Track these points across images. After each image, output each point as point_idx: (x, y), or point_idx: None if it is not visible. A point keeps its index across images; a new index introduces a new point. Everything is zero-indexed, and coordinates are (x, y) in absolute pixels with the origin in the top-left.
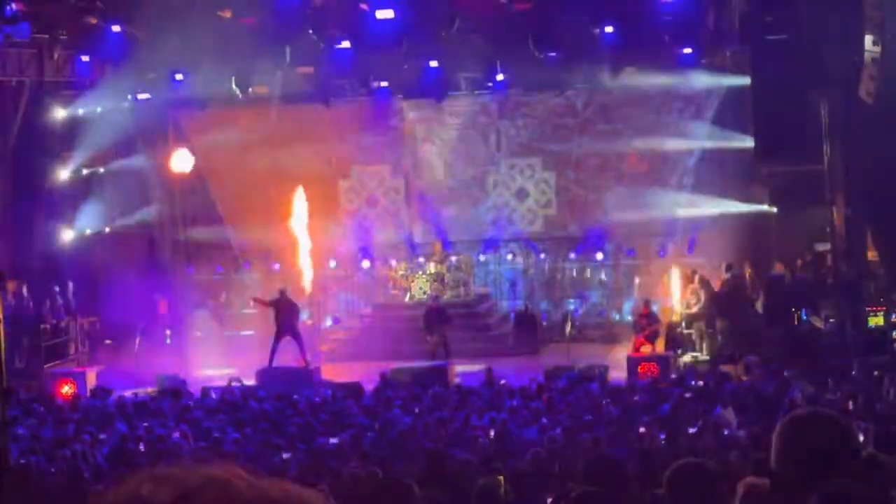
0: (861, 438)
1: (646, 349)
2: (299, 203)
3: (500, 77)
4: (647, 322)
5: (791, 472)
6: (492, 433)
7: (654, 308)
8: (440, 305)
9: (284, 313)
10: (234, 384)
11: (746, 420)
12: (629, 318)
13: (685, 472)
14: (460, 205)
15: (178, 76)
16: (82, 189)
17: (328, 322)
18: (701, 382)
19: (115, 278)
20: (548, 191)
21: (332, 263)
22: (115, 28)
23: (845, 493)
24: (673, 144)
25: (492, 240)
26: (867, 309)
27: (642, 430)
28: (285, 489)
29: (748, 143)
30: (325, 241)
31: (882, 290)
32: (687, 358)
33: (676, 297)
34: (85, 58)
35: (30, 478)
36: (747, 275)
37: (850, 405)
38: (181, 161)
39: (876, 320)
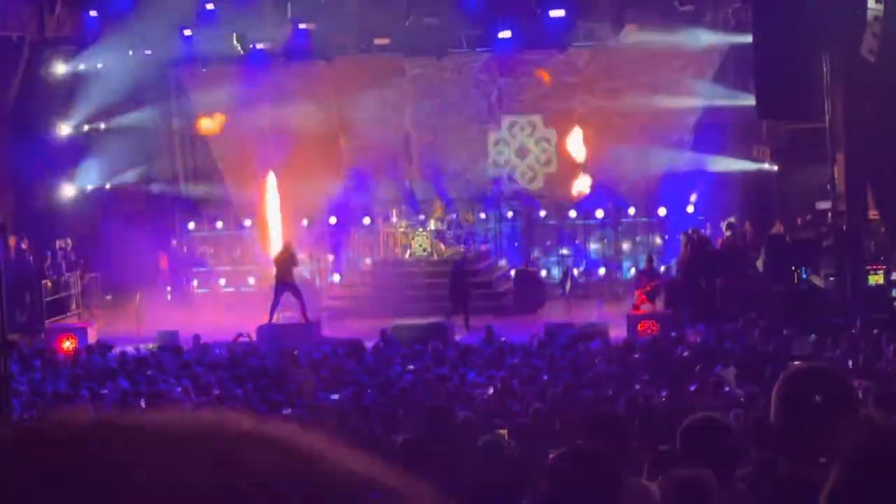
0: (860, 396)
1: (646, 307)
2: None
3: (501, 34)
4: (648, 279)
5: (790, 427)
6: (492, 390)
7: (657, 265)
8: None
9: (284, 269)
10: (242, 339)
11: (746, 378)
12: (629, 275)
13: (699, 427)
14: (461, 162)
15: (187, 31)
16: (83, 145)
17: (332, 278)
18: (701, 340)
19: (115, 234)
20: (549, 148)
21: (305, 222)
22: None
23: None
24: (674, 102)
25: (492, 197)
26: (867, 267)
27: (644, 386)
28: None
29: (750, 100)
30: (326, 199)
31: (882, 248)
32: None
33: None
34: (93, 13)
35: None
36: (747, 233)
37: (850, 363)
38: (211, 124)
39: (876, 279)
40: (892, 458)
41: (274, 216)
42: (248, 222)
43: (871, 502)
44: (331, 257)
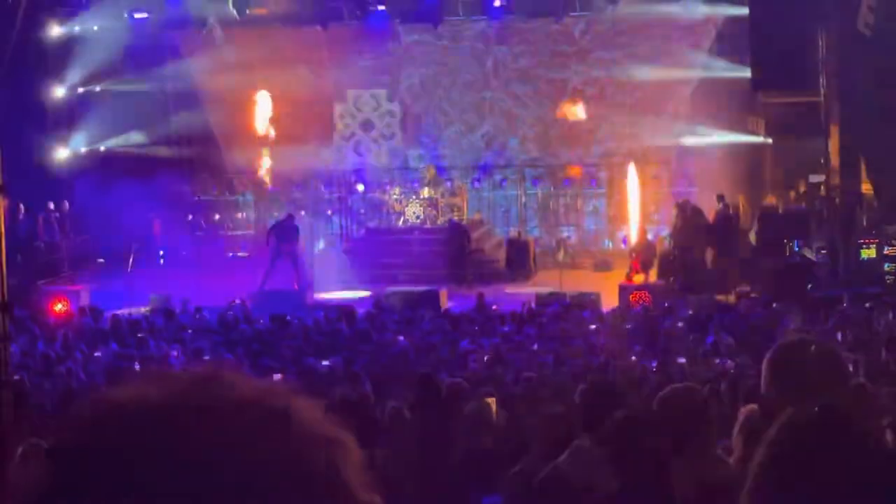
0: (851, 369)
1: (638, 278)
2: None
3: (497, 3)
4: (640, 249)
5: (780, 398)
6: (484, 358)
7: (650, 236)
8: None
9: (283, 236)
10: (234, 304)
11: (738, 350)
12: (623, 245)
13: (675, 396)
14: (455, 130)
15: None
16: (78, 107)
17: (321, 245)
18: (692, 311)
19: (109, 197)
20: (544, 118)
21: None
22: None
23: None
24: (670, 73)
25: (486, 166)
26: (860, 241)
27: (633, 358)
28: (271, 388)
29: (745, 73)
30: (320, 165)
31: (875, 222)
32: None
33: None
34: None
35: (26, 392)
36: (740, 205)
37: (841, 336)
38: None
39: (868, 252)
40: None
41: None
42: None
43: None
44: (325, 224)
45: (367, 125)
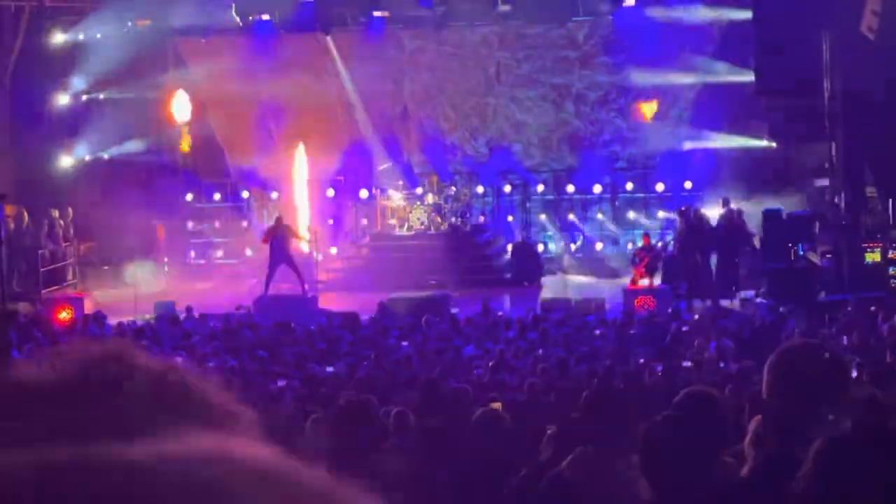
0: (855, 374)
1: (643, 282)
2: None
3: (500, 8)
4: (645, 253)
5: (782, 404)
6: (489, 364)
7: (654, 242)
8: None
9: (279, 241)
10: (240, 310)
11: (742, 354)
12: (627, 250)
13: (695, 398)
14: (459, 136)
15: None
16: (82, 115)
17: (330, 251)
18: (697, 316)
19: (113, 205)
20: (548, 123)
21: (331, 192)
22: None
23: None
24: (673, 78)
25: (490, 171)
26: (864, 245)
27: (641, 360)
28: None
29: (749, 77)
30: (325, 171)
31: (879, 226)
32: (683, 291)
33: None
34: None
35: None
36: (744, 210)
37: (846, 340)
38: (181, 106)
39: (873, 256)
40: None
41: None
42: (274, 195)
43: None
44: (328, 230)
45: (371, 131)
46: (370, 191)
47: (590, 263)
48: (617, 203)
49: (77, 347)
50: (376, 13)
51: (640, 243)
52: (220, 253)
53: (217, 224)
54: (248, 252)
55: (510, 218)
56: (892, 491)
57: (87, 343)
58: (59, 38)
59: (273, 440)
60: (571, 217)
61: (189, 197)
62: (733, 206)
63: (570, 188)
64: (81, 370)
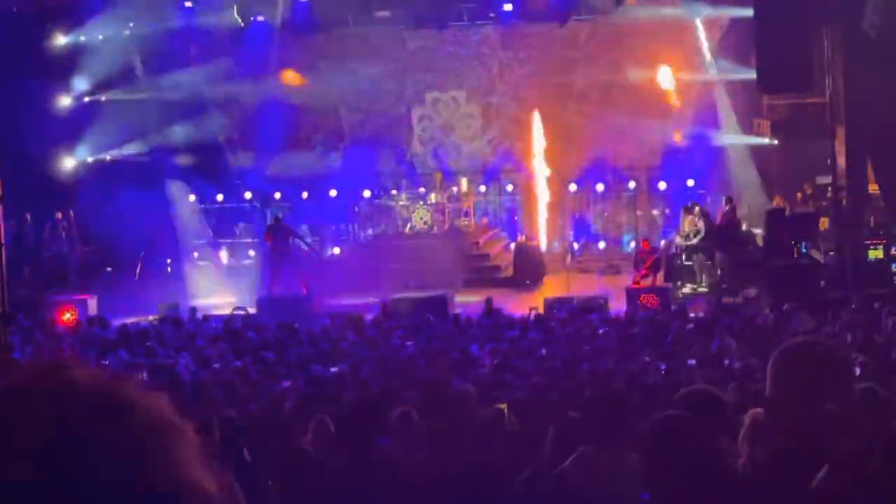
0: (858, 371)
1: (646, 281)
2: None
3: (502, 8)
4: (647, 255)
5: (784, 401)
6: (491, 363)
7: (657, 240)
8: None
9: (280, 241)
10: (238, 312)
11: (745, 352)
12: (629, 249)
13: (695, 397)
14: (462, 135)
15: (188, 3)
16: (84, 117)
17: (331, 251)
18: (701, 314)
19: (115, 206)
20: (550, 122)
21: (304, 195)
22: None
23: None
24: (675, 76)
25: (493, 171)
26: (867, 242)
27: (647, 359)
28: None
29: (750, 74)
30: (326, 172)
31: (882, 223)
32: (687, 290)
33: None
34: None
35: None
36: (747, 207)
37: (849, 338)
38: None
39: (876, 253)
40: None
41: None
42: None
43: None
44: (331, 230)
45: (374, 130)
46: (373, 190)
47: (592, 262)
48: (620, 201)
49: (26, 363)
50: (377, 13)
51: (639, 247)
52: (223, 254)
53: (220, 225)
54: (251, 253)
55: (513, 217)
56: None
57: (36, 360)
58: (60, 39)
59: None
60: (574, 215)
61: (192, 198)
62: (736, 203)
63: (573, 187)
64: (24, 382)
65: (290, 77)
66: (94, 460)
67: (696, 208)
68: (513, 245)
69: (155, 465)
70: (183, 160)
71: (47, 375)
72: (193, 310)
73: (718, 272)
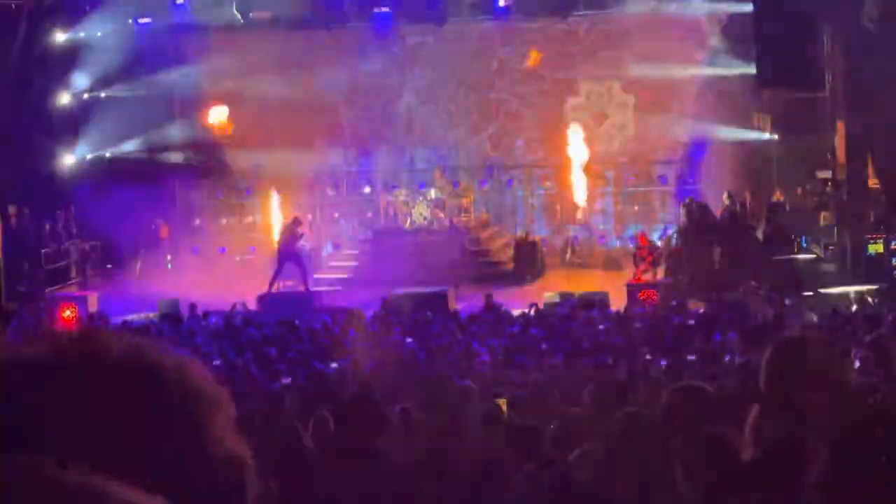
0: (859, 364)
1: (647, 276)
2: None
3: (502, 3)
4: (647, 252)
5: (779, 395)
6: (493, 359)
7: (652, 237)
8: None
9: (285, 239)
10: (238, 308)
11: (747, 347)
12: (630, 245)
13: (683, 393)
14: (462, 131)
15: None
16: (83, 114)
17: (328, 248)
18: (701, 310)
19: (116, 203)
20: (550, 118)
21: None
22: None
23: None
24: (675, 71)
25: (493, 166)
26: (867, 236)
27: (648, 356)
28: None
29: (750, 69)
30: (326, 168)
31: (882, 217)
32: (686, 285)
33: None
34: None
35: None
36: (747, 202)
37: (850, 332)
38: (217, 116)
39: (876, 248)
40: (876, 438)
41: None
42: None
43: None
44: (331, 226)
45: (373, 127)
46: (373, 186)
47: (593, 258)
48: (620, 197)
49: (51, 331)
50: (377, 9)
51: (640, 242)
52: (223, 250)
53: (220, 221)
54: (252, 249)
55: (513, 213)
56: None
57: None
58: (60, 36)
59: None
60: (575, 211)
61: (192, 194)
62: (736, 198)
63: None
64: (53, 349)
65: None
66: (124, 430)
67: (694, 204)
68: (513, 241)
69: (188, 433)
70: (183, 157)
71: (76, 343)
72: (193, 306)
73: (718, 267)
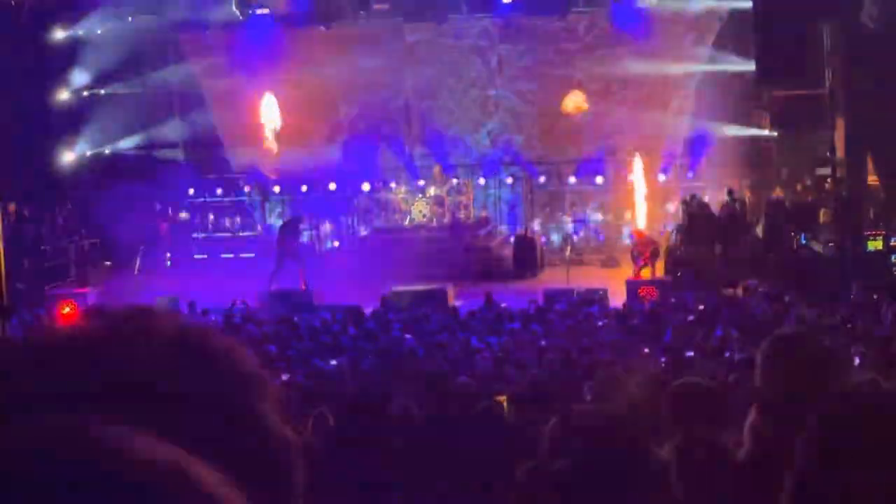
0: (858, 361)
1: (646, 272)
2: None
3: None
4: (643, 247)
5: (774, 391)
6: (491, 356)
7: (651, 231)
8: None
9: (284, 236)
10: (237, 305)
11: (745, 344)
12: (628, 241)
13: (685, 390)
14: (461, 128)
15: None
16: (83, 111)
17: (328, 244)
18: (701, 306)
19: (115, 200)
20: (549, 114)
21: (304, 188)
22: None
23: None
24: (674, 68)
25: (492, 163)
26: (866, 233)
27: (647, 351)
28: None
29: (750, 66)
30: (325, 165)
31: (881, 214)
32: (686, 281)
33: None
34: None
35: None
36: (747, 199)
37: (849, 329)
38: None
39: (875, 244)
40: (856, 429)
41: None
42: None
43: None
44: (330, 224)
45: (372, 124)
46: (372, 184)
47: (592, 254)
48: (619, 194)
49: (103, 309)
50: (376, 5)
51: (636, 238)
52: (222, 248)
53: (219, 219)
54: (251, 246)
55: (512, 209)
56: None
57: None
58: (59, 34)
59: None
60: (573, 208)
61: (191, 192)
62: (736, 195)
63: (573, 179)
64: (106, 326)
65: None
66: (174, 410)
67: (695, 201)
68: (512, 237)
69: (238, 413)
70: (182, 154)
71: (130, 320)
72: (193, 304)
73: (718, 264)
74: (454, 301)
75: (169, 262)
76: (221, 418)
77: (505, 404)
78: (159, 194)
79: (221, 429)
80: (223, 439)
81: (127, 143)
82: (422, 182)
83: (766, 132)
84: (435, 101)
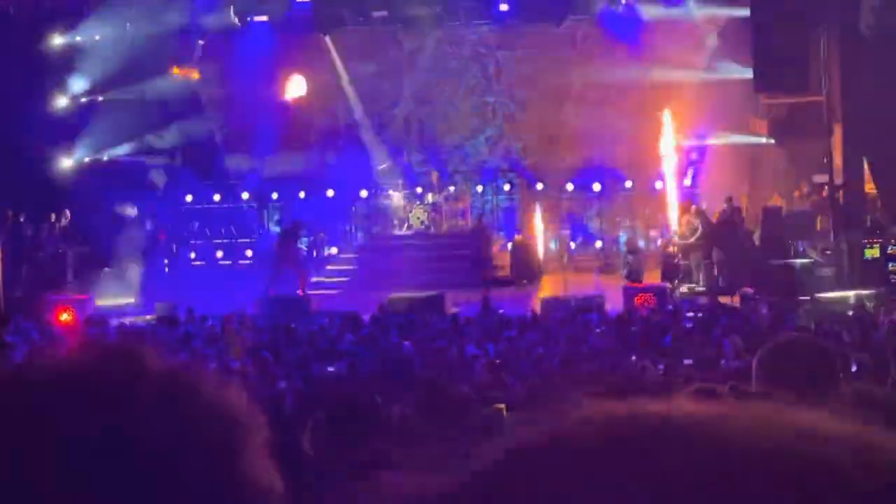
0: (855, 369)
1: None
2: None
3: (499, 7)
4: (632, 258)
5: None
6: (489, 363)
7: (640, 244)
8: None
9: (282, 242)
10: (233, 312)
11: (742, 351)
12: (622, 249)
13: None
14: (459, 135)
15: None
16: (81, 117)
17: (326, 251)
18: (699, 314)
19: (113, 206)
20: (547, 122)
21: (301, 194)
22: None
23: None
24: (671, 75)
25: (489, 170)
26: (864, 241)
27: (643, 358)
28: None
29: (747, 74)
30: (323, 172)
31: (879, 222)
32: (684, 289)
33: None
34: None
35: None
36: (744, 207)
37: (846, 336)
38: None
39: (872, 252)
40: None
41: None
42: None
43: None
44: (328, 230)
45: (371, 131)
46: (370, 190)
47: (590, 261)
48: (617, 201)
49: (90, 345)
50: (374, 13)
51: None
52: (220, 254)
53: (217, 225)
54: (248, 253)
55: (509, 216)
56: None
57: (99, 341)
58: (57, 40)
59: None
60: (571, 215)
61: (189, 198)
62: (733, 202)
63: (570, 186)
64: (93, 368)
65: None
66: (156, 448)
67: (693, 207)
68: (510, 244)
69: (219, 457)
70: (179, 160)
71: (119, 359)
72: (191, 310)
73: (715, 271)
74: (451, 308)
75: (167, 268)
76: (201, 470)
77: (504, 412)
78: (157, 200)
79: (201, 483)
80: (203, 494)
81: (125, 150)
82: (420, 189)
83: (763, 140)
84: (433, 108)
